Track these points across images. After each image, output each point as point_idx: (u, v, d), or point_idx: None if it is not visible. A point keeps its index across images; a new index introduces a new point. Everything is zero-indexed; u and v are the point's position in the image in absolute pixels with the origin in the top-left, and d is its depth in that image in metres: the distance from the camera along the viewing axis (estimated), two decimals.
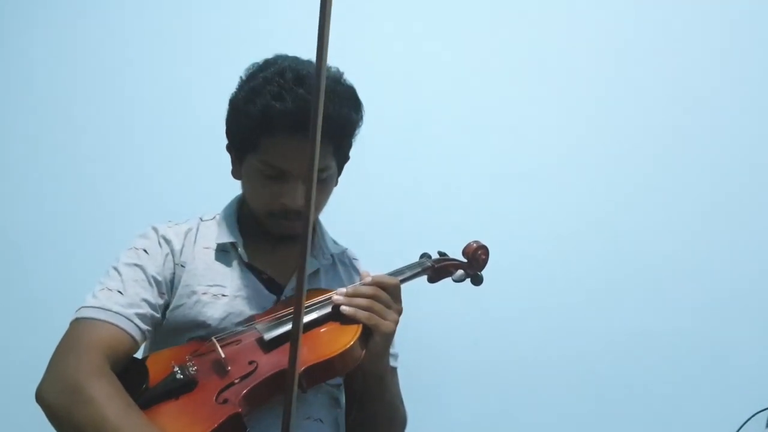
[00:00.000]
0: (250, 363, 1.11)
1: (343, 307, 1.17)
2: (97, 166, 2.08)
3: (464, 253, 1.40)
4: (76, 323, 1.16)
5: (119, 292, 1.19)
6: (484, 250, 1.40)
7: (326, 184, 1.28)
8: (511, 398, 1.90)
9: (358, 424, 1.30)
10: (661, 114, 2.02)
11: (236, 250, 1.29)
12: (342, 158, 1.32)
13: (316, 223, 1.37)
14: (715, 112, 2.01)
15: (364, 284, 1.20)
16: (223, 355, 1.12)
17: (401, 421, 1.34)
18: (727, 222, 1.95)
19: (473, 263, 1.40)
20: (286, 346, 1.07)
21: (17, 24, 2.18)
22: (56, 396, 1.07)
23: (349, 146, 1.33)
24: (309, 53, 1.31)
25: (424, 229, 1.97)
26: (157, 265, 1.24)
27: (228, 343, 1.17)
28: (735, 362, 1.87)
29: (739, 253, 1.93)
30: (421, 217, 1.99)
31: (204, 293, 1.23)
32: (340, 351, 1.13)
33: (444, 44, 2.10)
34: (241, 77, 1.29)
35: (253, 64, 1.30)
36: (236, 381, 1.10)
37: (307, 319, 1.18)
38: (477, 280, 1.41)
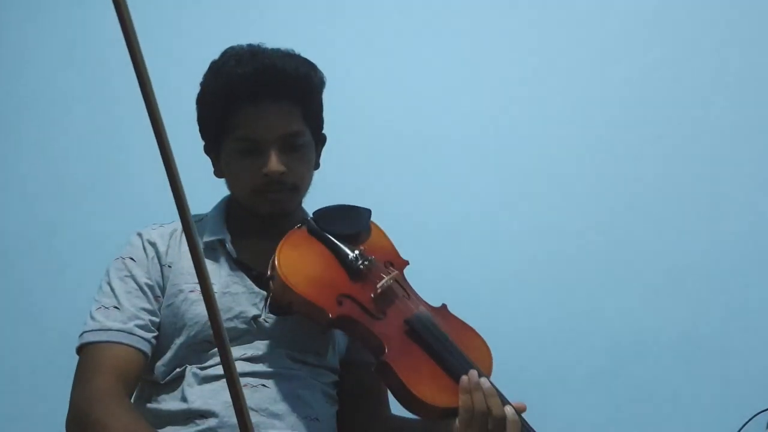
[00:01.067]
0: (384, 313, 1.20)
1: (463, 389, 1.11)
2: (92, 166, 2.08)
3: None
4: (82, 351, 1.19)
5: (116, 308, 1.21)
6: None
7: (304, 152, 1.30)
8: (510, 398, 1.89)
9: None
10: (666, 114, 2.02)
11: (224, 247, 1.29)
12: (314, 127, 1.34)
13: (301, 210, 1.38)
14: (724, 113, 2.00)
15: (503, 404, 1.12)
16: (378, 290, 1.22)
17: None
18: (729, 222, 1.95)
19: None
20: (416, 348, 1.17)
21: (16, 23, 2.17)
22: (71, 428, 1.13)
23: (319, 114, 1.35)
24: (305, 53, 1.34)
25: (424, 229, 1.98)
26: (145, 271, 1.26)
27: (398, 283, 1.27)
28: (735, 363, 1.86)
29: (742, 254, 1.92)
30: (419, 215, 1.99)
31: (191, 291, 1.24)
32: (429, 402, 1.12)
33: (444, 45, 2.10)
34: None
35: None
36: (361, 306, 1.18)
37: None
38: None
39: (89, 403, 1.11)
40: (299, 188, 1.31)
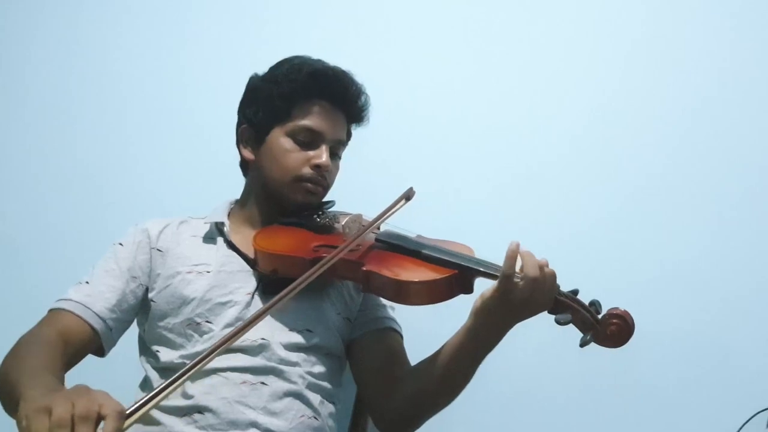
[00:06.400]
0: (357, 246, 1.28)
1: (521, 251, 1.21)
2: (95, 166, 2.09)
3: (609, 311, 1.23)
4: (47, 314, 1.27)
5: (87, 282, 1.29)
6: (624, 327, 1.20)
7: (338, 162, 1.44)
8: (510, 398, 1.90)
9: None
10: (667, 115, 2.03)
11: (222, 231, 1.35)
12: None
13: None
14: (723, 116, 2.01)
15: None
16: (345, 230, 1.35)
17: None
18: (730, 222, 1.95)
19: (599, 327, 1.22)
20: (392, 255, 1.29)
21: (17, 22, 2.18)
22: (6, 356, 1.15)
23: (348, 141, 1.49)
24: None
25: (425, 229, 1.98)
26: (130, 252, 1.35)
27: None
28: (736, 362, 1.86)
29: (742, 253, 1.92)
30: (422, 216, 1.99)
31: (189, 272, 1.30)
32: (419, 280, 1.21)
33: (444, 45, 2.11)
34: (254, 78, 1.42)
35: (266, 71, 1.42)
36: (334, 247, 1.26)
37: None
38: (583, 343, 1.22)
39: (25, 337, 1.17)
40: (327, 190, 1.42)
